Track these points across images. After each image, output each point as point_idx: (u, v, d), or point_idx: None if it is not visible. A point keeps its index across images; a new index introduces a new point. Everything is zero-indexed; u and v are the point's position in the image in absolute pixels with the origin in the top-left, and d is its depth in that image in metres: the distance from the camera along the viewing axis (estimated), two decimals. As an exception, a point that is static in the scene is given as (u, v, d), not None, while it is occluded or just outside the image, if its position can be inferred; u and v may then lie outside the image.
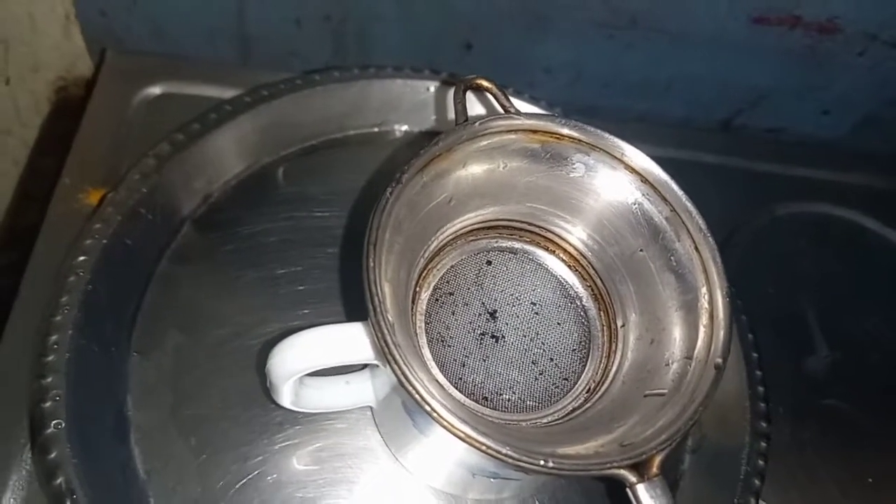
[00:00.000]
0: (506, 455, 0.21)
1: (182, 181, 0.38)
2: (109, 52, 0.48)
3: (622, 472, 0.22)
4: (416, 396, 0.22)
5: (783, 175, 0.55)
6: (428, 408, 0.22)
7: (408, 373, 0.22)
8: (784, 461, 0.41)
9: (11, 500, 0.32)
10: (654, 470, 0.23)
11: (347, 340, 0.25)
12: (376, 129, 0.44)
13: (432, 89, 0.44)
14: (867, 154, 0.59)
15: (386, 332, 0.22)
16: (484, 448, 0.21)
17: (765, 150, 0.56)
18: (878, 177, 0.56)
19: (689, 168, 0.52)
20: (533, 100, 0.44)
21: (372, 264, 0.23)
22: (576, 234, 0.31)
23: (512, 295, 0.31)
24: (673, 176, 0.28)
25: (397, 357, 0.22)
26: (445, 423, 0.22)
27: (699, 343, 0.26)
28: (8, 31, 0.52)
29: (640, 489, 0.22)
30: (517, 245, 0.32)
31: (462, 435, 0.21)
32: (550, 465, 0.21)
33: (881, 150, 0.59)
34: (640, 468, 0.23)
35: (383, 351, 0.22)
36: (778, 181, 0.54)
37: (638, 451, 0.23)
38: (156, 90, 0.45)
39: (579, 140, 0.28)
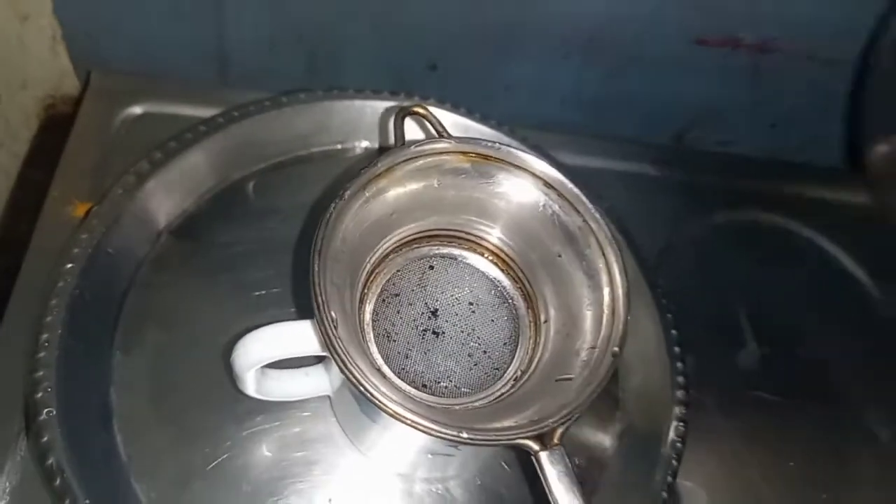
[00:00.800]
0: (426, 427, 0.25)
1: (160, 195, 0.42)
2: (94, 72, 0.51)
3: (528, 442, 0.27)
4: (352, 378, 0.26)
5: (724, 186, 0.58)
6: (361, 388, 0.26)
7: (345, 359, 0.26)
8: (712, 446, 0.45)
9: (7, 483, 0.35)
10: (555, 441, 0.27)
11: (297, 335, 0.29)
12: (339, 146, 0.48)
13: (392, 108, 0.48)
14: (809, 165, 0.62)
15: (327, 325, 0.26)
16: (408, 421, 0.25)
17: (709, 163, 0.60)
18: (814, 187, 0.60)
19: (634, 180, 0.57)
20: (483, 119, 0.48)
21: (317, 269, 0.27)
22: (503, 241, 0.35)
23: (452, 295, 0.36)
24: (583, 188, 0.32)
25: (336, 346, 0.26)
26: (376, 401, 0.26)
27: (601, 334, 0.30)
28: (-2, 51, 0.55)
29: (543, 456, 0.26)
30: (455, 251, 0.36)
31: (391, 411, 0.26)
32: (464, 435, 0.26)
33: (822, 160, 0.63)
34: (543, 439, 0.27)
35: (325, 342, 0.26)
36: (718, 191, 0.58)
37: (541, 424, 0.27)
38: (137, 109, 0.49)
39: (502, 160, 0.32)
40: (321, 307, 0.27)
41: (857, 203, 0.60)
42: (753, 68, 0.57)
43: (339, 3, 0.51)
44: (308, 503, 0.36)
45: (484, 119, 0.48)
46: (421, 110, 0.32)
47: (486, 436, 0.26)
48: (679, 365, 0.42)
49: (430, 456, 0.33)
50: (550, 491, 0.26)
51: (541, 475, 0.27)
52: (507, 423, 0.28)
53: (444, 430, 0.26)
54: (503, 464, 0.39)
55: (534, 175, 0.32)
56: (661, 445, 0.40)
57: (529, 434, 0.27)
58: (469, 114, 0.48)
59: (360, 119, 0.47)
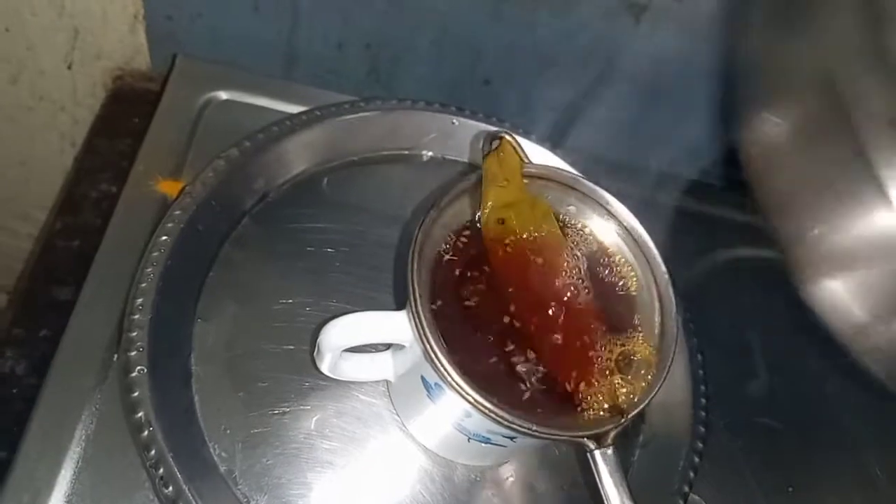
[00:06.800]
0: (502, 417, 0.29)
1: (245, 181, 0.45)
2: (180, 57, 0.55)
3: (585, 440, 0.30)
4: (441, 368, 0.29)
5: (746, 222, 0.62)
6: (449, 378, 0.29)
7: (437, 349, 0.30)
8: (719, 465, 0.48)
9: (84, 431, 0.39)
10: (609, 441, 0.31)
11: (391, 324, 0.33)
12: (406, 152, 0.51)
13: (457, 123, 0.51)
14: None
15: (424, 320, 0.30)
16: (486, 410, 0.29)
17: (733, 200, 0.63)
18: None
19: (662, 210, 0.60)
20: (539, 141, 0.52)
21: (416, 268, 0.31)
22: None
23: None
24: (648, 230, 0.36)
25: (430, 338, 0.30)
26: (460, 390, 0.29)
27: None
28: (80, 21, 0.58)
29: (597, 454, 0.30)
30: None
31: (471, 399, 0.29)
32: (534, 428, 0.29)
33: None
34: (598, 438, 0.31)
35: (419, 334, 0.30)
36: (741, 227, 0.61)
37: (598, 426, 0.31)
38: (220, 95, 0.52)
39: (577, 190, 0.36)
40: (417, 302, 0.30)
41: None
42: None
43: (406, 17, 0.55)
44: (358, 475, 0.40)
45: (540, 142, 0.52)
46: (509, 137, 0.36)
47: (549, 430, 0.30)
48: (703, 387, 0.45)
49: (482, 444, 0.36)
50: (602, 485, 0.30)
51: (594, 470, 0.30)
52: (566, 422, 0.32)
53: (516, 422, 0.29)
54: (536, 458, 0.42)
55: (600, 205, 0.36)
56: (681, 458, 0.43)
57: (587, 433, 0.30)
58: (526, 134, 0.52)
59: (429, 129, 0.51)
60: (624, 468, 0.43)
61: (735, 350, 0.54)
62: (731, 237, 0.61)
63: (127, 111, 0.61)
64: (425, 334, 0.30)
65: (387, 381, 0.41)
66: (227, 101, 0.52)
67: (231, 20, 0.57)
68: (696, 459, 0.44)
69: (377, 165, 0.50)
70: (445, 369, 0.29)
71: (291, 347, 0.42)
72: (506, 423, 0.29)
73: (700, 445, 0.44)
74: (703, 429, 0.44)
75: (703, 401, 0.45)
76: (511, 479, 0.42)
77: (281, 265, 0.45)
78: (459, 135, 0.52)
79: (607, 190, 0.36)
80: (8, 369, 0.45)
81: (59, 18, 0.58)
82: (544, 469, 0.42)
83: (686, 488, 0.43)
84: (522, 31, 0.56)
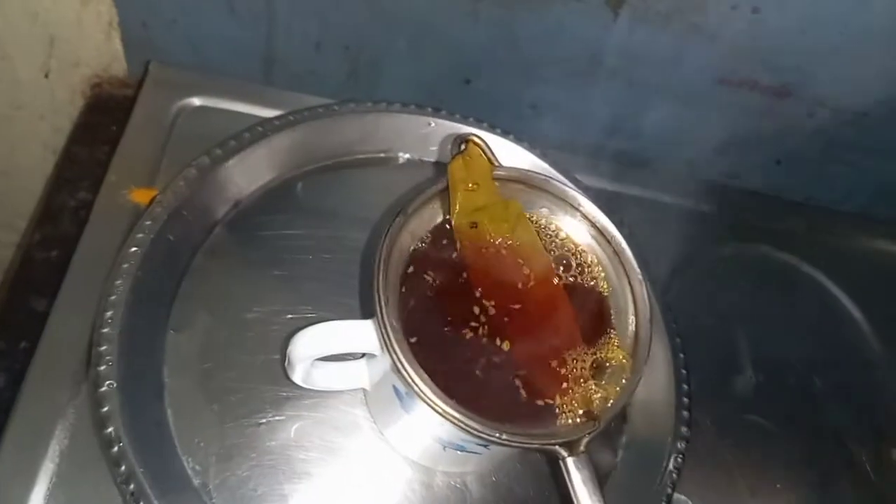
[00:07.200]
0: (471, 427, 0.29)
1: (217, 189, 0.45)
2: (153, 63, 0.54)
3: (557, 448, 0.30)
4: (408, 379, 0.29)
5: (733, 218, 0.62)
6: (416, 388, 0.29)
7: (403, 360, 0.29)
8: (705, 463, 0.48)
9: (57, 446, 0.38)
10: (581, 448, 0.30)
11: (358, 334, 0.32)
12: (382, 155, 0.51)
13: (433, 124, 0.51)
14: (812, 203, 0.66)
15: (390, 330, 0.29)
16: (455, 420, 0.29)
17: (719, 194, 0.63)
18: (811, 223, 0.64)
19: (650, 205, 0.60)
20: (517, 140, 0.51)
21: (381, 277, 0.30)
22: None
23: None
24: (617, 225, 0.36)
25: (397, 349, 0.29)
26: (429, 401, 0.29)
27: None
28: (56, 28, 0.57)
29: (570, 461, 0.30)
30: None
31: (440, 409, 0.29)
32: (504, 437, 0.29)
33: (824, 198, 0.67)
34: (571, 446, 0.30)
35: (386, 344, 0.29)
36: (728, 223, 0.61)
37: (570, 434, 0.30)
38: (194, 102, 0.51)
39: (548, 192, 0.35)
40: (383, 312, 0.30)
41: (858, 245, 0.64)
42: (767, 108, 0.60)
43: (384, 18, 0.54)
44: (336, 486, 0.39)
45: (517, 141, 0.51)
46: (477, 140, 0.35)
47: (521, 439, 0.30)
48: (685, 387, 0.45)
49: (458, 452, 0.36)
50: (575, 493, 0.30)
51: (567, 478, 0.30)
52: (537, 430, 0.31)
53: (486, 431, 0.29)
54: (517, 463, 0.42)
55: (571, 206, 0.36)
56: (664, 459, 0.43)
57: (559, 441, 0.30)
58: (505, 134, 0.51)
59: (404, 131, 0.50)
60: (606, 469, 0.43)
61: (718, 347, 0.54)
62: (713, 232, 0.60)
63: (105, 119, 0.60)
64: (391, 345, 0.29)
65: (363, 390, 0.41)
66: (201, 107, 0.52)
67: (207, 25, 0.56)
68: (680, 459, 0.43)
69: (352, 169, 0.50)
70: (413, 380, 0.29)
71: (266, 357, 0.41)
72: (475, 432, 0.29)
73: (683, 445, 0.44)
74: (685, 429, 0.44)
75: (686, 400, 0.45)
76: (492, 485, 0.41)
77: (254, 273, 0.44)
78: (436, 136, 0.51)
79: (578, 190, 0.36)
80: (-13, 382, 0.45)
81: (34, 26, 0.58)
82: (527, 474, 0.42)
83: (669, 489, 0.42)
84: (501, 29, 0.55)
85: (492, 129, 0.51)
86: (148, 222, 0.41)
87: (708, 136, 0.63)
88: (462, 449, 0.35)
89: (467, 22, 0.54)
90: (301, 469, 0.39)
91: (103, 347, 0.37)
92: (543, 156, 0.51)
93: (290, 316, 0.43)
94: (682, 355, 0.46)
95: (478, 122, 0.51)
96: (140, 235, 0.41)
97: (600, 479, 0.41)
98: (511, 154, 0.50)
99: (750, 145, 0.64)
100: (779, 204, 0.65)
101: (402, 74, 0.59)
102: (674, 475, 0.43)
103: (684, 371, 0.46)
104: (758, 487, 0.49)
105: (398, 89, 0.59)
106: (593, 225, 0.36)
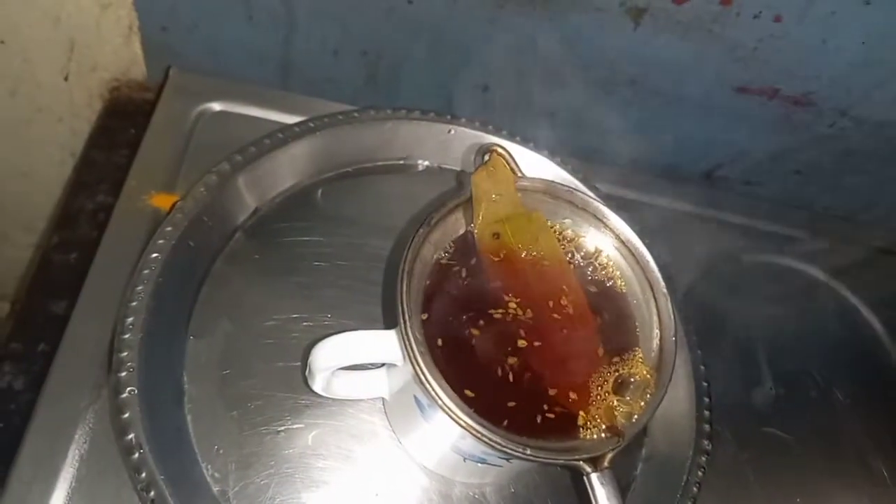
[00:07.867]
0: (495, 441, 0.28)
1: (237, 195, 0.45)
2: (173, 69, 0.54)
3: (581, 463, 0.30)
4: (431, 391, 0.29)
5: (753, 228, 0.61)
6: (440, 401, 0.29)
7: (427, 372, 0.29)
8: (724, 476, 0.47)
9: (77, 451, 0.38)
10: (605, 464, 0.30)
11: (381, 344, 0.32)
12: (402, 162, 0.51)
13: (452, 132, 0.51)
14: (831, 214, 0.65)
15: (413, 342, 0.29)
16: (479, 434, 0.28)
17: (739, 204, 0.63)
18: (831, 233, 0.63)
19: (669, 214, 0.60)
20: (537, 149, 0.51)
21: (404, 288, 0.30)
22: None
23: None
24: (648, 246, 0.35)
25: (420, 361, 0.29)
26: (451, 413, 0.29)
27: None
28: (76, 33, 0.58)
29: (594, 477, 0.29)
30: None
31: (463, 423, 0.29)
32: (528, 452, 0.29)
33: (841, 209, 0.66)
34: (595, 461, 0.30)
35: (409, 356, 0.29)
36: (747, 233, 0.61)
37: (594, 449, 0.30)
38: (213, 107, 0.52)
39: (572, 203, 0.35)
40: (407, 323, 0.30)
41: (878, 256, 0.63)
42: (785, 118, 0.59)
43: (403, 24, 0.54)
44: (354, 494, 0.39)
45: (537, 149, 0.51)
46: (501, 151, 0.35)
47: (545, 454, 0.29)
48: (706, 399, 0.45)
49: (479, 465, 0.35)
50: (598, 509, 0.29)
51: (590, 493, 0.30)
52: (560, 444, 0.31)
53: (510, 446, 0.29)
54: (536, 475, 0.42)
55: (596, 218, 0.36)
56: (685, 472, 0.42)
57: (584, 457, 0.30)
58: (524, 142, 0.51)
59: (424, 138, 0.50)
60: (626, 483, 0.43)
61: (738, 358, 0.54)
62: (733, 241, 0.60)
63: (123, 122, 0.60)
64: (415, 356, 0.29)
65: (382, 398, 0.41)
66: (221, 112, 0.52)
67: (226, 30, 0.56)
68: (700, 473, 0.43)
69: (372, 176, 0.50)
70: (436, 392, 0.29)
71: (285, 364, 0.41)
72: (498, 446, 0.29)
73: (704, 459, 0.43)
74: (707, 442, 0.43)
75: (707, 413, 0.44)
76: (511, 496, 0.41)
77: (274, 280, 0.44)
78: (456, 143, 0.51)
79: (602, 202, 0.36)
80: (6, 384, 0.45)
81: (55, 30, 0.58)
82: (545, 486, 0.41)
83: (690, 503, 0.42)
84: (520, 36, 0.55)
85: (511, 136, 0.51)
86: (169, 228, 0.41)
87: (727, 144, 0.63)
88: (483, 461, 0.35)
89: (486, 29, 0.54)
90: (319, 477, 0.39)
91: (124, 353, 0.37)
92: (563, 164, 0.50)
93: (309, 323, 0.43)
94: (702, 367, 0.46)
95: (497, 130, 0.51)
96: (161, 241, 0.41)
97: (622, 493, 0.41)
98: (531, 162, 0.49)
99: (769, 155, 0.63)
100: (798, 214, 0.64)
101: (420, 80, 0.59)
102: (694, 489, 0.42)
103: (705, 384, 0.45)
104: (777, 500, 0.49)
105: (416, 95, 0.59)
106: (618, 237, 0.36)
